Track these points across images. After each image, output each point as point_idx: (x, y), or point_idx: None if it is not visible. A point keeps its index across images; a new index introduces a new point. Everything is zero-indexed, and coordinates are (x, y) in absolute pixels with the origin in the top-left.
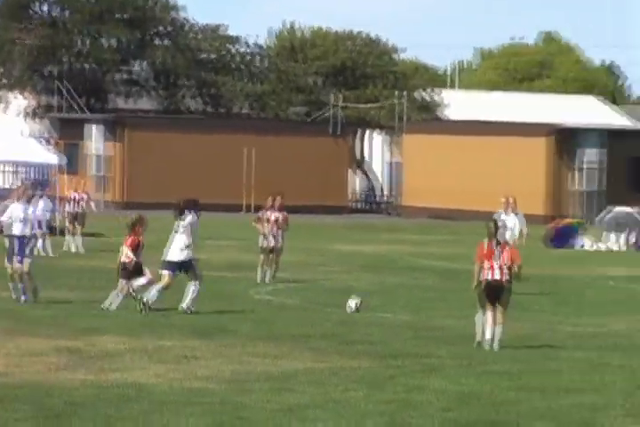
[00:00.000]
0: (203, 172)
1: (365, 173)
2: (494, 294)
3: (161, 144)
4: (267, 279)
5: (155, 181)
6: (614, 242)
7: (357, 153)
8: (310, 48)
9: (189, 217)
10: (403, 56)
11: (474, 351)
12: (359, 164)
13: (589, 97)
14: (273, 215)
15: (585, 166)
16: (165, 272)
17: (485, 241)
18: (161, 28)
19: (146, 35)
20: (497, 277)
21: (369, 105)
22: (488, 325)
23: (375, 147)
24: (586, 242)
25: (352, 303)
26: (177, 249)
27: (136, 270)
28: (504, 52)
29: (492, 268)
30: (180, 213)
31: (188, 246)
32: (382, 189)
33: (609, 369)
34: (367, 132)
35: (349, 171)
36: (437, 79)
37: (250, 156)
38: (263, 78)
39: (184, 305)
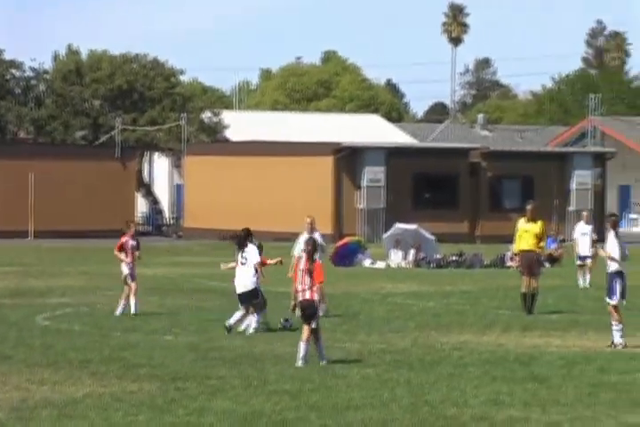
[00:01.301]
0: None
1: (152, 196)
2: (308, 313)
3: None
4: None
5: None
6: (396, 259)
7: (144, 176)
8: (91, 71)
9: (251, 247)
10: (186, 78)
11: (257, 371)
12: (146, 187)
13: (372, 116)
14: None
15: (369, 184)
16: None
17: (303, 259)
18: None
19: None
20: (307, 296)
21: (151, 128)
22: (304, 342)
23: (161, 169)
24: (366, 260)
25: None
26: (246, 281)
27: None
28: (284, 73)
29: (303, 288)
30: (243, 244)
31: (255, 275)
32: (166, 212)
33: (395, 385)
34: (153, 154)
35: (136, 194)
36: (224, 101)
37: (35, 181)
38: (42, 103)
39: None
